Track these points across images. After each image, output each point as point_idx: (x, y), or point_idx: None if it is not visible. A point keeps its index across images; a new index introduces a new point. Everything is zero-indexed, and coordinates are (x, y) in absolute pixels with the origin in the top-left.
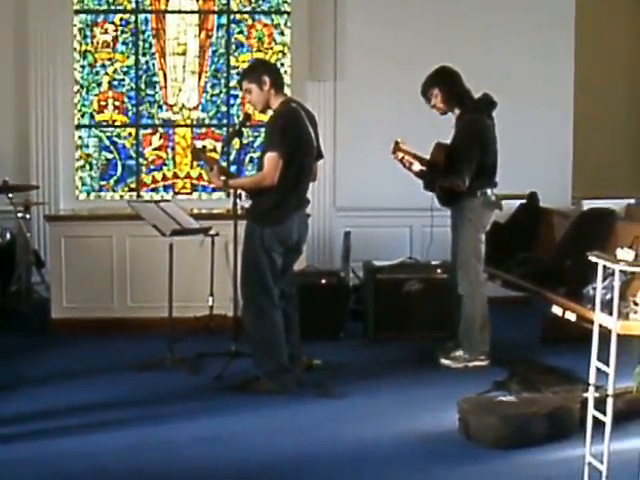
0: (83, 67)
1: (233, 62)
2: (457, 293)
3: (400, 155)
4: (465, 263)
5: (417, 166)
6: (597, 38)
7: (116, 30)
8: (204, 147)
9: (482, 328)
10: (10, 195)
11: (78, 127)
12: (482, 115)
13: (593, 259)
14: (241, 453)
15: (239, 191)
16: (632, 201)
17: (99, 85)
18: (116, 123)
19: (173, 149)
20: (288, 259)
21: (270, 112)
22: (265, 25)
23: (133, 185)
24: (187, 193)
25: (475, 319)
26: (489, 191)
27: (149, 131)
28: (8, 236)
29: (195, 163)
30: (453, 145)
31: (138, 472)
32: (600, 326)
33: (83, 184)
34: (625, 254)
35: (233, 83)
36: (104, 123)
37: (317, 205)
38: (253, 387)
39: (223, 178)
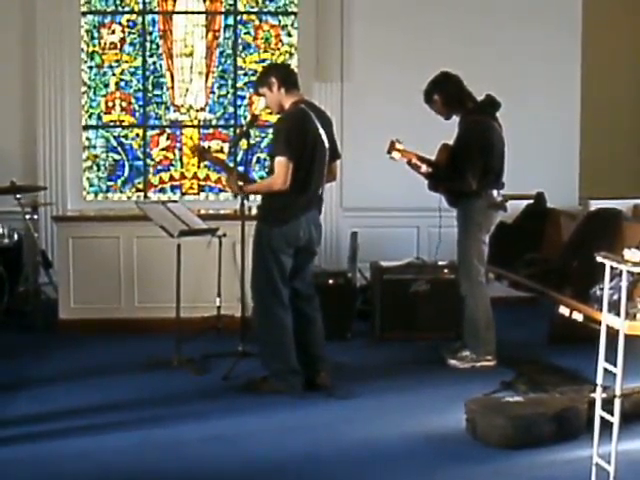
0: (90, 68)
1: (240, 63)
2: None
3: (397, 155)
4: (467, 263)
5: (424, 168)
6: (603, 38)
7: (123, 31)
8: (209, 147)
9: (486, 328)
10: (18, 196)
11: (85, 128)
12: (485, 116)
13: (600, 260)
14: (248, 453)
15: None
16: (639, 201)
17: (106, 86)
18: (123, 124)
19: (180, 150)
20: (300, 260)
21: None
22: (272, 26)
23: (140, 186)
24: (194, 194)
25: (478, 319)
26: (495, 192)
27: (156, 132)
28: (16, 237)
29: (202, 164)
30: (455, 147)
31: (144, 472)
32: (607, 327)
33: (90, 185)
34: (632, 254)
35: (240, 84)
36: (111, 124)
37: (324, 206)
38: (260, 387)
39: (240, 184)
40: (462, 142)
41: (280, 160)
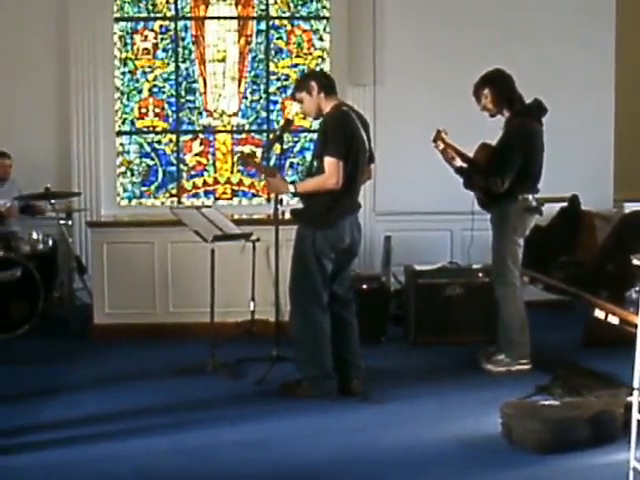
0: (124, 74)
1: (272, 68)
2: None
3: (441, 145)
4: (501, 266)
5: (458, 162)
6: (639, 40)
7: (156, 37)
8: (254, 152)
9: (521, 331)
10: (52, 202)
11: (119, 134)
12: (532, 120)
13: (636, 262)
14: (281, 457)
15: (280, 196)
16: None
17: (140, 92)
18: (157, 130)
19: (214, 155)
20: (341, 262)
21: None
22: (304, 31)
23: (174, 191)
24: (228, 199)
25: (512, 322)
26: (530, 196)
27: (189, 137)
28: (50, 242)
29: (236, 169)
30: (498, 146)
31: (178, 476)
32: None
33: (124, 190)
34: None
35: (273, 89)
36: (145, 130)
37: None
38: (294, 392)
39: (290, 180)
40: (506, 142)
41: (331, 160)
